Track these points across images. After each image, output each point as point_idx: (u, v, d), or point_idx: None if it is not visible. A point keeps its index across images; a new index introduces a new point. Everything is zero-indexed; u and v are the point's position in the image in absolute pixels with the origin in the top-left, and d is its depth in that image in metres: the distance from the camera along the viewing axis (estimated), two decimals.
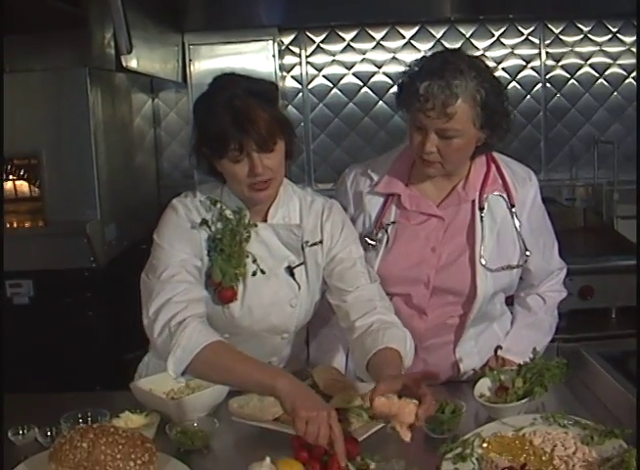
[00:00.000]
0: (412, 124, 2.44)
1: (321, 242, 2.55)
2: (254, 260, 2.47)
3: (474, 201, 2.57)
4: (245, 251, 2.46)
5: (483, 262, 2.53)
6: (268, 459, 1.96)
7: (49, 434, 2.25)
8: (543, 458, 2.01)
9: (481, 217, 2.55)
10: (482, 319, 2.64)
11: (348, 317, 2.46)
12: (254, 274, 2.47)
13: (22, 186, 4.17)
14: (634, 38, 4.95)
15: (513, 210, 2.58)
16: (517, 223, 2.59)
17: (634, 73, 5.03)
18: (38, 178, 3.97)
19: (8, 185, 4.20)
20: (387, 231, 2.60)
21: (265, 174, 2.33)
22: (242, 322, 2.50)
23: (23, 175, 4.13)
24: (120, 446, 1.93)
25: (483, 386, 2.39)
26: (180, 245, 2.41)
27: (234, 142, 2.28)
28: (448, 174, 2.55)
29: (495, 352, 2.59)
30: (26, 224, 4.12)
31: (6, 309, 3.88)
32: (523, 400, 2.26)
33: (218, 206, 2.47)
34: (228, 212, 2.46)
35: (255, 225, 2.47)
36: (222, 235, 2.44)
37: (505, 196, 2.59)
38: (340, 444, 1.97)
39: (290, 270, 2.52)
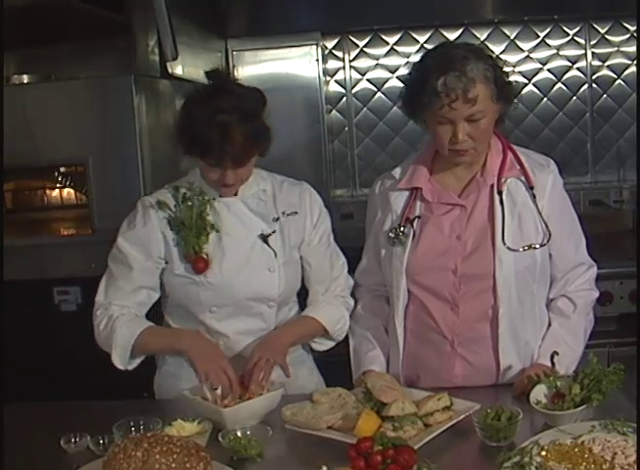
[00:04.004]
0: (434, 122, 2.53)
1: (297, 213, 2.78)
2: (212, 226, 2.67)
3: (493, 186, 2.62)
4: (206, 222, 2.66)
5: (505, 243, 2.55)
6: (325, 469, 1.94)
7: (101, 442, 2.24)
8: (604, 467, 1.95)
9: (501, 200, 2.59)
10: (520, 317, 2.60)
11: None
12: (210, 232, 2.66)
13: (69, 193, 4.20)
14: None
15: (532, 191, 2.62)
16: (538, 205, 2.61)
17: None
18: (85, 185, 3.98)
19: (55, 193, 4.23)
20: (412, 225, 2.66)
21: (236, 182, 2.63)
22: (224, 290, 2.67)
23: (70, 183, 4.16)
24: (175, 456, 1.92)
25: (539, 392, 2.35)
26: (129, 247, 2.69)
27: (212, 156, 2.52)
28: (477, 159, 2.62)
29: (552, 357, 2.54)
30: (74, 232, 4.14)
31: (54, 316, 3.90)
32: (580, 407, 2.22)
33: (182, 190, 2.68)
34: (188, 193, 2.67)
35: (213, 198, 2.68)
36: (182, 213, 2.66)
37: (523, 179, 2.63)
38: (235, 385, 2.46)
39: (263, 238, 2.71)
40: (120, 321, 2.63)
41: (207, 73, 2.68)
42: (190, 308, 2.72)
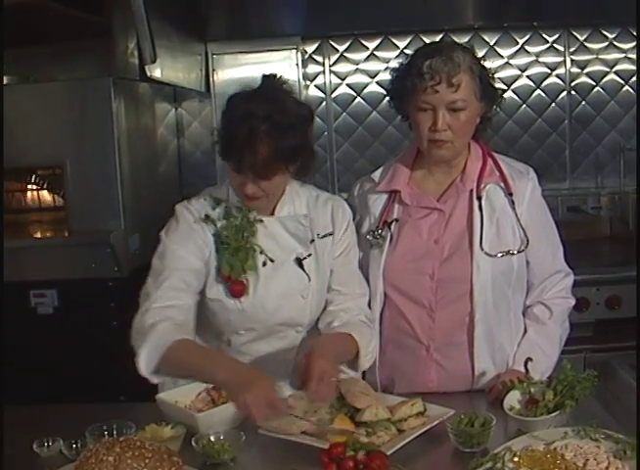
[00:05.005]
0: (417, 110, 2.54)
1: (332, 234, 2.64)
2: (261, 252, 2.54)
3: (472, 191, 2.63)
4: (252, 244, 2.52)
5: (483, 248, 2.55)
6: None
7: (74, 446, 2.23)
8: None
9: (480, 206, 2.60)
10: (496, 322, 2.61)
11: (329, 321, 2.61)
12: (264, 264, 2.54)
13: (46, 196, 4.19)
14: None
15: (511, 198, 2.62)
16: (516, 211, 2.62)
17: None
18: (62, 188, 3.97)
19: (32, 195, 4.21)
20: (390, 228, 2.66)
21: (257, 194, 2.43)
22: (256, 316, 2.55)
23: (47, 185, 4.14)
24: (147, 460, 1.91)
25: (513, 398, 2.35)
26: (179, 248, 2.50)
27: (234, 160, 2.37)
28: (455, 158, 2.62)
29: (525, 363, 2.55)
30: (50, 234, 4.13)
31: (30, 319, 3.89)
32: (553, 414, 2.23)
33: (223, 204, 2.55)
34: (233, 210, 2.53)
35: (260, 221, 2.54)
36: (227, 230, 2.51)
37: (502, 185, 2.64)
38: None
39: (299, 262, 2.58)
40: (160, 325, 2.31)
41: (264, 76, 2.49)
42: (215, 327, 2.61)
